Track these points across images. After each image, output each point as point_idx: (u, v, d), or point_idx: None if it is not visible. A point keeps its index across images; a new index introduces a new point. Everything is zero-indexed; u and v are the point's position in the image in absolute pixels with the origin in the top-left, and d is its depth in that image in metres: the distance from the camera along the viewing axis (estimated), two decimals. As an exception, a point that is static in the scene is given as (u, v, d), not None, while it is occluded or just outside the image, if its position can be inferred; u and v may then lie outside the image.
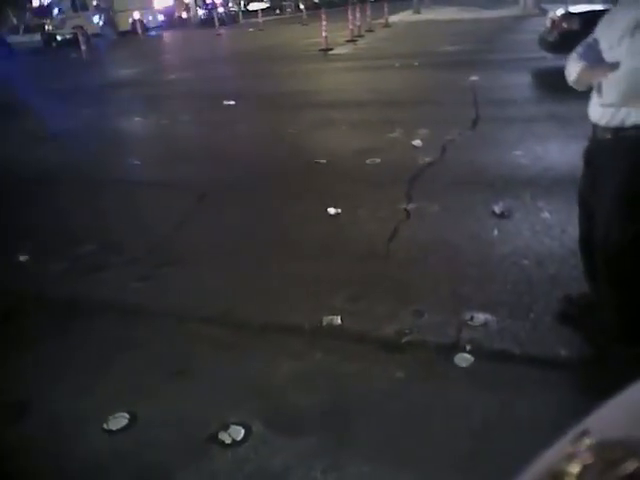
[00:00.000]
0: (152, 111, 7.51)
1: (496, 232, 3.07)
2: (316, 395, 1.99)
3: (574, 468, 0.16)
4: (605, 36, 1.76)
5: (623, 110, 1.73)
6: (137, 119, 7.24)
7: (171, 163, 5.00)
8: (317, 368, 2.13)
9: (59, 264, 3.18)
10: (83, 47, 15.43)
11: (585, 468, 0.16)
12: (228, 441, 1.81)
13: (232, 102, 7.35)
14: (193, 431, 1.86)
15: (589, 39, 1.87)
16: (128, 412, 1.96)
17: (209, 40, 18.15)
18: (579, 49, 1.89)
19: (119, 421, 1.93)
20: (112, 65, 14.01)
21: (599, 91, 1.78)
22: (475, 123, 5.25)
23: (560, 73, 2.07)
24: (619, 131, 1.77)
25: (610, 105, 1.76)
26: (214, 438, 1.82)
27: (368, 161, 4.45)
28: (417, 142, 4.78)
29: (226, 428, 1.85)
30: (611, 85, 1.73)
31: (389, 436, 1.77)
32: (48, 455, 1.83)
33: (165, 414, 1.96)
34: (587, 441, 0.17)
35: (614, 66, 1.69)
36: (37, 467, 1.79)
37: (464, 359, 2.09)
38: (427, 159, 4.30)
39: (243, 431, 1.84)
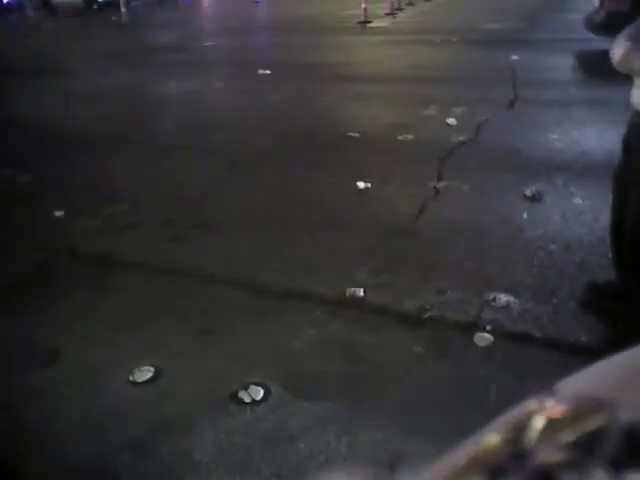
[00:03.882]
0: (188, 77, 7.53)
1: (525, 215, 3.04)
2: (334, 363, 2.03)
3: (538, 422, 0.15)
4: None
5: None
6: (173, 84, 7.28)
7: (204, 129, 5.04)
8: (337, 337, 2.17)
9: (93, 221, 3.27)
10: (123, 9, 15.44)
11: (550, 422, 0.14)
12: (247, 400, 1.87)
13: (267, 71, 7.32)
14: (214, 388, 1.93)
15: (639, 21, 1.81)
16: (153, 366, 2.05)
17: (246, 7, 17.97)
18: (628, 30, 1.84)
19: (144, 374, 2.02)
20: (150, 29, 14.03)
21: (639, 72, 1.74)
22: (512, 104, 5.14)
23: (605, 56, 2.01)
24: None
25: None
26: (234, 396, 1.89)
27: (400, 137, 4.42)
28: (451, 120, 4.71)
29: (246, 387, 1.92)
30: None
31: (403, 406, 1.81)
32: (75, 399, 1.93)
33: (188, 370, 2.03)
34: (554, 398, 0.16)
35: None
36: (64, 410, 1.89)
37: (483, 338, 2.10)
38: (460, 138, 4.25)
39: (262, 392, 1.90)
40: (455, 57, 7.84)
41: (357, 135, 4.52)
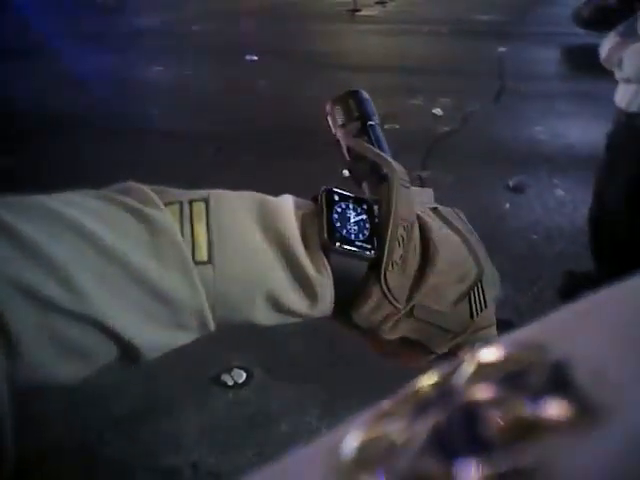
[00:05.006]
0: (174, 61, 7.46)
1: (508, 206, 3.08)
2: (316, 348, 2.06)
3: (469, 366, 0.14)
4: None
5: None
6: (158, 68, 7.21)
7: (189, 114, 5.01)
8: (318, 324, 2.19)
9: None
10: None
11: (480, 365, 0.13)
12: (230, 383, 1.89)
13: (254, 57, 7.28)
14: (197, 371, 1.94)
15: (633, 18, 1.82)
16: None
17: (235, -8, 17.77)
18: (619, 27, 1.85)
19: (127, 357, 2.02)
20: (137, 11, 13.82)
21: (619, 65, 1.76)
22: (499, 96, 5.18)
23: (591, 51, 2.04)
24: (635, 117, 1.75)
25: (626, 80, 1.74)
26: (217, 379, 1.90)
27: (387, 126, 4.42)
28: (438, 111, 4.74)
29: (229, 371, 1.93)
30: (629, 57, 1.70)
31: (384, 388, 1.84)
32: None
33: (170, 354, 2.04)
34: (487, 346, 0.15)
35: (637, 39, 1.67)
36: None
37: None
38: (446, 128, 4.27)
39: (245, 375, 1.92)
40: (443, 47, 7.86)
41: (344, 123, 4.52)
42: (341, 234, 0.39)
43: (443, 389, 0.14)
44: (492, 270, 0.46)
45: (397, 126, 4.40)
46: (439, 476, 0.12)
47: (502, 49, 7.10)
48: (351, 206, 0.41)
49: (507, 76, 5.77)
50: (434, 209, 0.46)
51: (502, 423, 0.12)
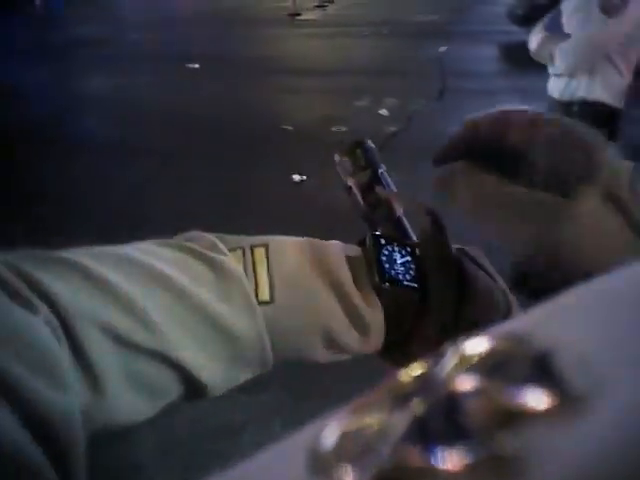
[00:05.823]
0: (112, 72, 7.27)
1: (457, 201, 3.15)
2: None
3: (451, 359, 0.14)
4: (566, 7, 1.81)
5: (573, 84, 1.78)
6: (97, 79, 7.01)
7: (132, 126, 4.89)
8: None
9: (17, 225, 3.10)
10: (37, 1, 14.68)
11: (462, 357, 0.14)
12: (190, 398, 1.85)
13: (196, 65, 7.18)
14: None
15: (556, 11, 1.91)
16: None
17: (174, -1, 17.52)
18: (545, 20, 1.93)
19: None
20: (70, 22, 13.42)
21: (552, 60, 1.83)
22: (441, 94, 5.30)
23: (526, 47, 2.11)
24: (568, 106, 1.83)
25: (559, 75, 1.81)
26: (176, 395, 1.85)
27: (334, 129, 4.46)
28: (384, 111, 4.80)
29: (188, 386, 1.89)
30: (561, 54, 1.78)
31: (349, 394, 1.84)
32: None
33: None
34: (469, 339, 0.15)
35: (566, 36, 1.74)
36: None
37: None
38: (392, 128, 4.34)
39: (205, 388, 1.88)
40: (385, 49, 7.99)
41: (291, 128, 4.52)
42: (390, 275, 0.42)
43: (425, 381, 0.14)
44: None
45: (344, 128, 4.43)
46: (418, 465, 0.12)
47: (442, 49, 7.27)
48: (396, 249, 0.45)
49: (448, 75, 5.92)
50: (459, 249, 0.51)
51: (483, 412, 0.12)
